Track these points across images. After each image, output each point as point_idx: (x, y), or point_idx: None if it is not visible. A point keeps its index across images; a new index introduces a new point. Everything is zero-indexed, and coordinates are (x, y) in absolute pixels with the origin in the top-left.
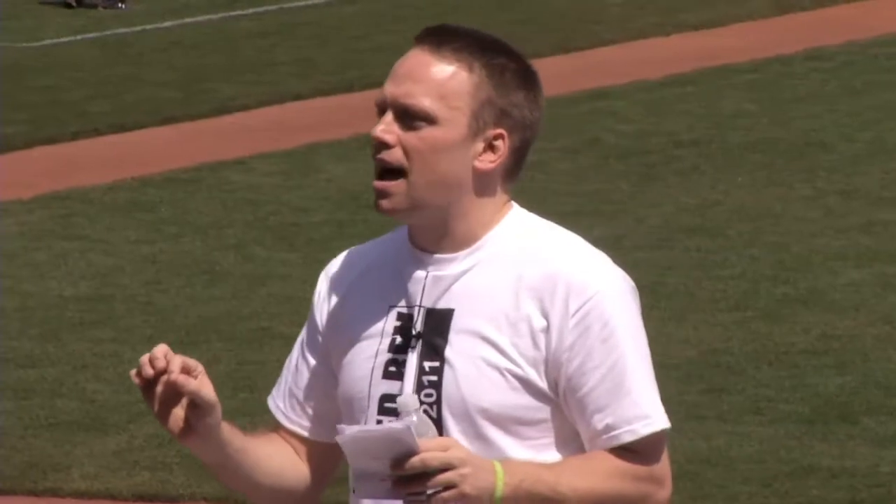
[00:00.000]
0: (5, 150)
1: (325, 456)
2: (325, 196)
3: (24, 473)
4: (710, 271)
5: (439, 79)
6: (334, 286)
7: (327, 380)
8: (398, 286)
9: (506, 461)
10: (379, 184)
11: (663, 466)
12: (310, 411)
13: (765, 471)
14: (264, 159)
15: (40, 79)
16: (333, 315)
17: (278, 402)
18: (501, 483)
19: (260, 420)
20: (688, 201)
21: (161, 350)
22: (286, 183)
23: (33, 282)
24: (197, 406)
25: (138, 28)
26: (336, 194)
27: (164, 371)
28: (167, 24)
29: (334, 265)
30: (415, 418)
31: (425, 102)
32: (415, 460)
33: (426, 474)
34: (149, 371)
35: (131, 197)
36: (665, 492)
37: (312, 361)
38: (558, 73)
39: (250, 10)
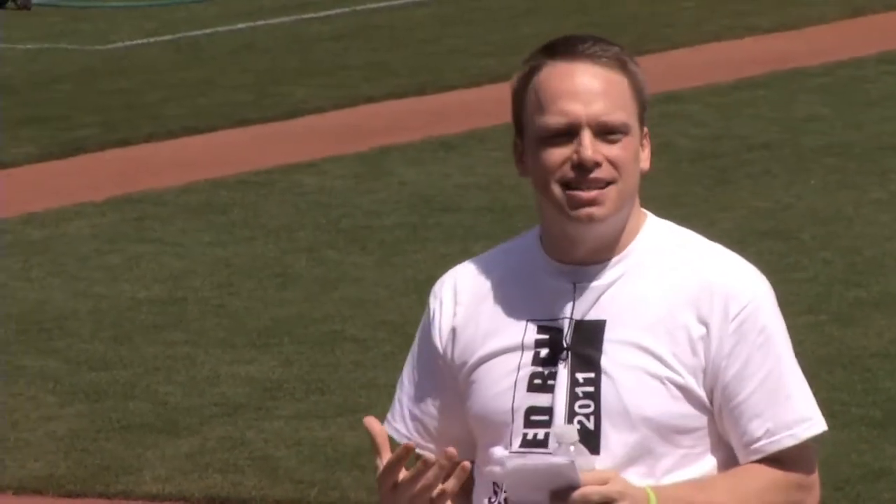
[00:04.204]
0: (78, 153)
1: None
2: (398, 199)
3: (96, 476)
4: (783, 275)
5: (618, 89)
6: (459, 304)
7: (453, 400)
8: (537, 298)
9: (657, 488)
10: (592, 193)
11: (814, 473)
12: (438, 434)
13: (837, 474)
14: (336, 162)
15: (113, 82)
16: (462, 333)
17: (397, 427)
18: None
19: (332, 422)
20: (760, 205)
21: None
22: (358, 186)
23: (106, 284)
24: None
25: (211, 31)
26: (408, 197)
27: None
28: (240, 26)
29: (449, 283)
30: (573, 449)
31: (622, 116)
32: (576, 495)
33: None
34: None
35: (204, 199)
36: (813, 498)
37: (434, 384)
38: None
39: (323, 13)
